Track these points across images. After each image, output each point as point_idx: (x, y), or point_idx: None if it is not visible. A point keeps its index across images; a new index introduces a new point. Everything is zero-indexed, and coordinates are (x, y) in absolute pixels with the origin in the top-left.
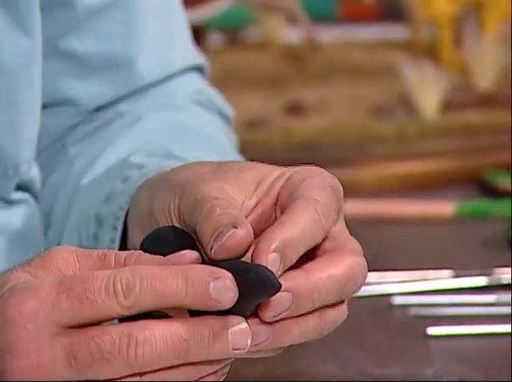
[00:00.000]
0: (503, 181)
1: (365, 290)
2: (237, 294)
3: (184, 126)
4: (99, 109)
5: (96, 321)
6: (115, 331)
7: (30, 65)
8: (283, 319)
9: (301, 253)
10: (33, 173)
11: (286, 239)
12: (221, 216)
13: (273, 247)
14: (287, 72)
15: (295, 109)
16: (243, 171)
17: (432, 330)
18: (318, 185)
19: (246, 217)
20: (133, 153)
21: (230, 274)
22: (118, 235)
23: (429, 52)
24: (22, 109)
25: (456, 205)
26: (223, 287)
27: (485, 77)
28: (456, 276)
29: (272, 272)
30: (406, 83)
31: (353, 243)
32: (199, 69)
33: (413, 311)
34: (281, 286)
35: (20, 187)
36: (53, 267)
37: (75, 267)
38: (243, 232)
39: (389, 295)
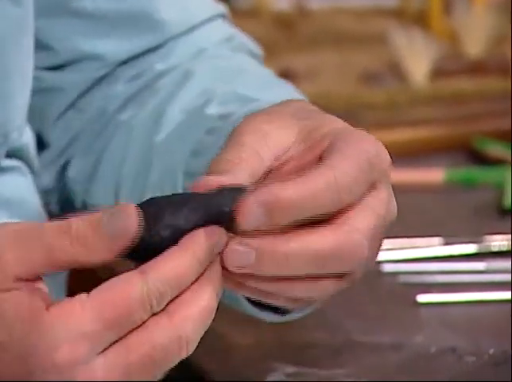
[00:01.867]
0: (493, 149)
1: None
2: None
3: (234, 66)
4: (126, 63)
5: None
6: (163, 339)
7: (20, 33)
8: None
9: (301, 217)
10: (25, 139)
11: (281, 198)
12: (221, 161)
13: (256, 200)
14: (277, 39)
15: (285, 76)
16: (307, 119)
17: (422, 298)
18: (353, 156)
19: (286, 163)
20: (205, 104)
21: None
22: None
23: (419, 20)
24: (13, 76)
25: (446, 173)
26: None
27: (475, 45)
28: (446, 243)
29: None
30: (396, 51)
31: (362, 222)
32: (222, 16)
33: (403, 278)
34: (232, 211)
35: (11, 154)
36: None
37: (19, 269)
38: (223, 179)
39: (379, 263)
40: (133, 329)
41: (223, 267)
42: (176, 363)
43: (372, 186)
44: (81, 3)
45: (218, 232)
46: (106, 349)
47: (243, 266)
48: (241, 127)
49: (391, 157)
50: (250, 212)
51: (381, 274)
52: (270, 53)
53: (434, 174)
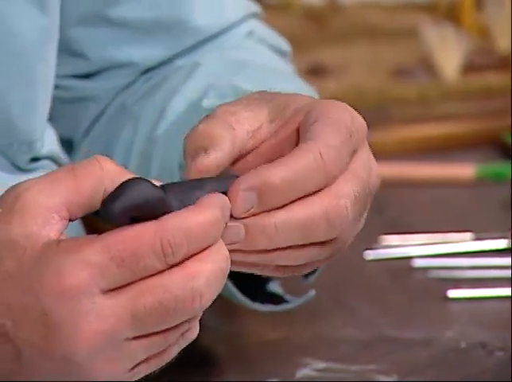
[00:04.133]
0: None
1: (385, 253)
2: None
3: (241, 60)
4: (155, 67)
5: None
6: (175, 286)
7: (46, 43)
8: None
9: (292, 196)
10: (47, 149)
11: (268, 181)
12: (199, 137)
13: (246, 185)
14: (308, 33)
15: (316, 71)
16: (273, 99)
17: (452, 293)
18: (333, 126)
19: (262, 142)
20: (203, 97)
21: None
22: None
23: (450, 15)
24: (37, 86)
25: (477, 168)
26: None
27: (505, 39)
28: (476, 239)
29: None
30: (427, 46)
31: (346, 187)
32: (254, 16)
33: (433, 274)
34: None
35: (36, 158)
36: (28, 216)
37: (47, 200)
38: (212, 157)
39: (410, 258)
40: (146, 277)
41: None
42: (188, 317)
43: (353, 152)
44: (118, 12)
45: (224, 197)
46: (115, 291)
47: (234, 242)
48: (211, 112)
49: (422, 152)
50: (241, 198)
51: (411, 269)
52: (301, 48)
53: (464, 169)
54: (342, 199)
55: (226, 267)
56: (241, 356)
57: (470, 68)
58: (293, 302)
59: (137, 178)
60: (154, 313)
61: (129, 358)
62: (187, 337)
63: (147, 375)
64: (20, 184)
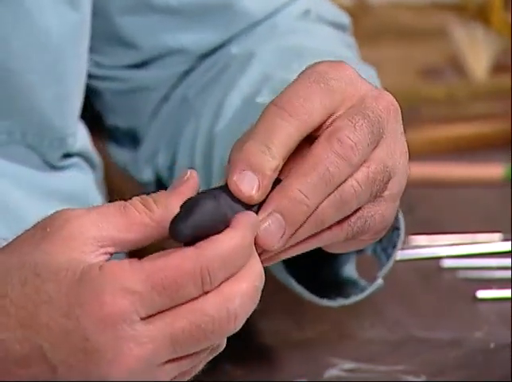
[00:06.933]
0: None
1: (414, 253)
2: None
3: (296, 47)
4: (210, 53)
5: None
6: (212, 309)
7: (77, 39)
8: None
9: (296, 141)
10: (80, 145)
11: (246, 153)
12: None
13: (238, 168)
14: None
15: None
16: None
17: (481, 293)
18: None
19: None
20: (257, 92)
21: None
22: None
23: (480, 15)
24: (69, 82)
25: (505, 168)
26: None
27: None
28: (505, 239)
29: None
30: (456, 46)
31: (343, 120)
32: None
33: (462, 274)
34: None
35: (68, 155)
36: (75, 243)
37: (97, 232)
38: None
39: (439, 258)
40: (182, 303)
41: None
42: (223, 338)
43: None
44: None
45: (252, 215)
46: (153, 317)
47: (281, 235)
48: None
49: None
50: (241, 181)
51: (440, 270)
52: None
53: (493, 169)
54: (340, 121)
55: (260, 284)
56: (269, 355)
57: (498, 68)
58: (364, 291)
59: (199, 197)
60: (192, 337)
61: (161, 379)
62: (214, 352)
63: None
64: (70, 209)
